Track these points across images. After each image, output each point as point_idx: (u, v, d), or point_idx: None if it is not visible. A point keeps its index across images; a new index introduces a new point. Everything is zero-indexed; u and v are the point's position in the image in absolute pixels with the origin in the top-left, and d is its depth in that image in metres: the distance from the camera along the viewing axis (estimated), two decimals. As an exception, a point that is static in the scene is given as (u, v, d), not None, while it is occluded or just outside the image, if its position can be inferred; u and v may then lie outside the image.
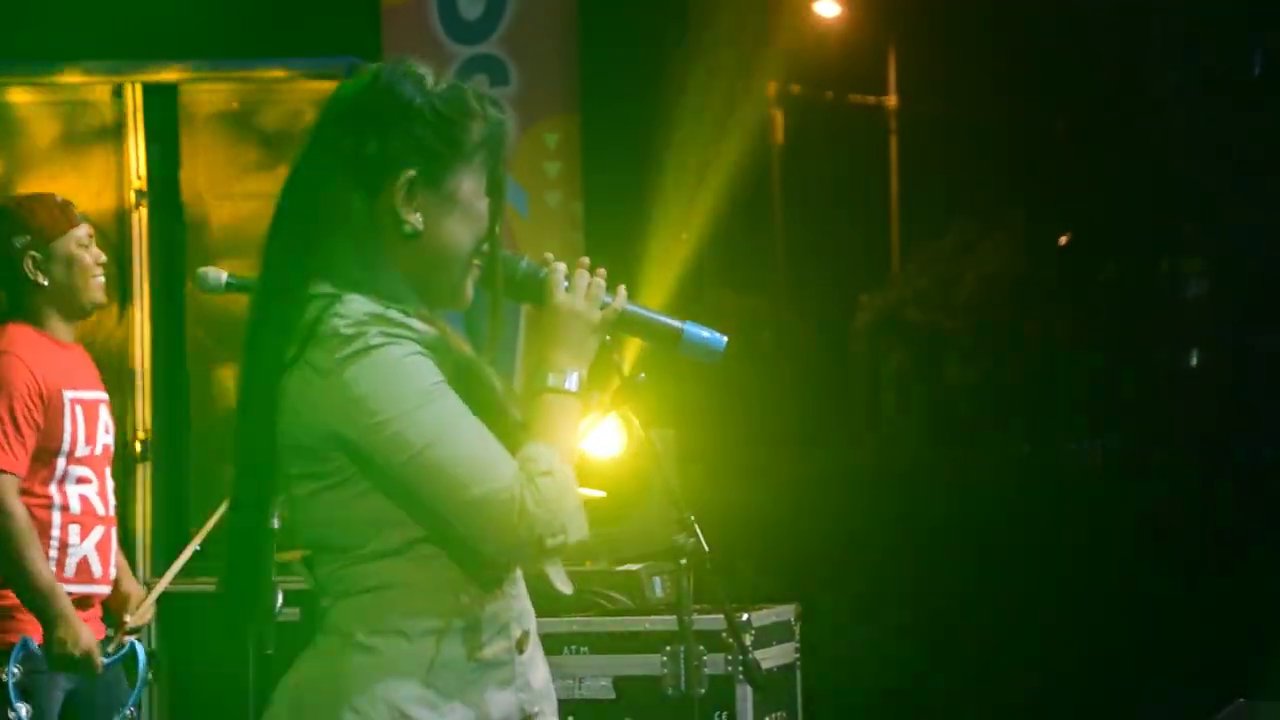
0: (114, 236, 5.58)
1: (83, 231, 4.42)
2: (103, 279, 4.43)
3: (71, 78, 5.81)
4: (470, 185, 2.50)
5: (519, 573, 2.51)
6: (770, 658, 4.96)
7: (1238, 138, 7.28)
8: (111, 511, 4.46)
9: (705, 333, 2.58)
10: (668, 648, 4.96)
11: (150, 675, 4.51)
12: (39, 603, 4.22)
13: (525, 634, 2.50)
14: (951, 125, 7.51)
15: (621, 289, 2.57)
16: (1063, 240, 7.65)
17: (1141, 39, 7.37)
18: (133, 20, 7.07)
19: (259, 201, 5.67)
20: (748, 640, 4.73)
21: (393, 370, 2.37)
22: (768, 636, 4.99)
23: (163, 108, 5.73)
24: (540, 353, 2.50)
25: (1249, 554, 6.94)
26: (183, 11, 7.18)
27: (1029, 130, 7.50)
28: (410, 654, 2.43)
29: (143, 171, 5.69)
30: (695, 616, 4.45)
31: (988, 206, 8.34)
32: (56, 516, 4.35)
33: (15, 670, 4.19)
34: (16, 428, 4.24)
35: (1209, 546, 7.02)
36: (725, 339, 2.56)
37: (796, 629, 5.27)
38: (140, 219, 5.69)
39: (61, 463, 4.32)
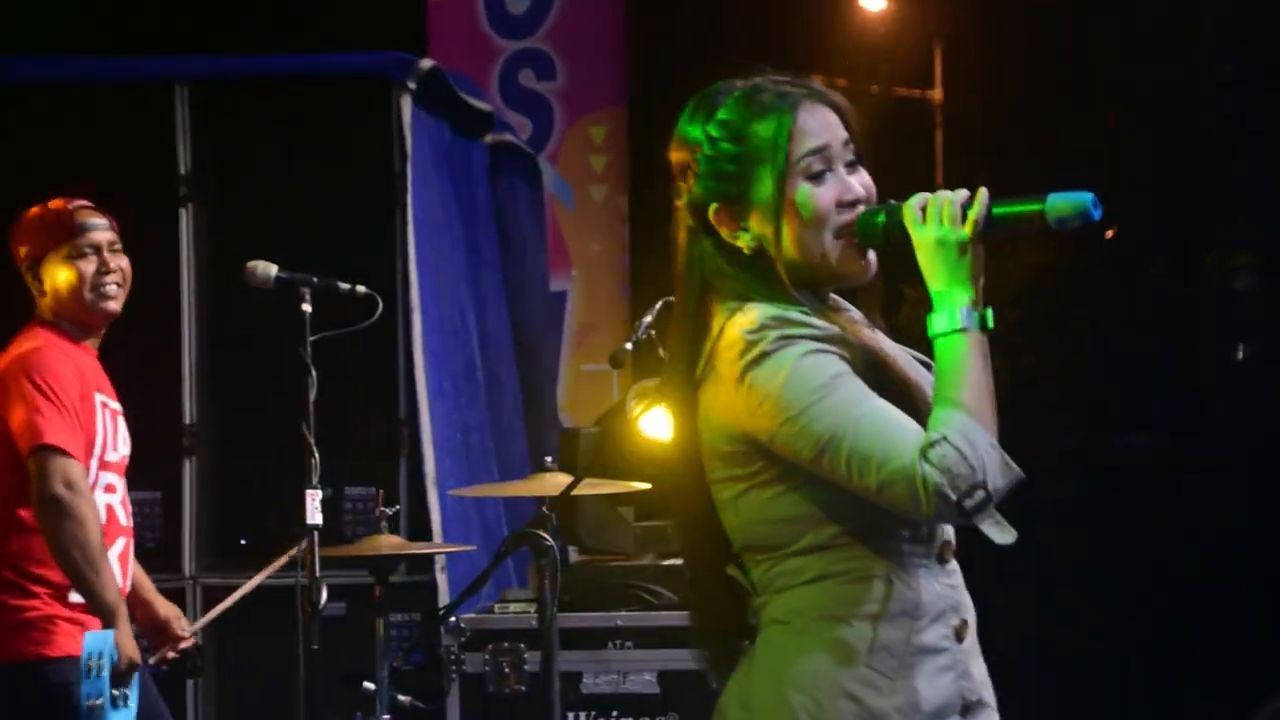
0: (158, 232, 5.59)
1: (85, 240, 4.33)
2: (113, 287, 4.34)
3: (118, 73, 5.82)
4: (770, 180, 2.53)
5: (954, 563, 2.57)
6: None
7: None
8: (130, 522, 4.42)
9: (1066, 197, 2.48)
10: (713, 643, 4.95)
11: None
12: (109, 605, 4.13)
13: (964, 623, 2.56)
14: (996, 119, 7.47)
15: (981, 193, 2.52)
16: (1109, 234, 7.58)
17: (1191, 32, 7.32)
18: (179, 15, 7.09)
19: (306, 198, 5.68)
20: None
21: (791, 370, 2.44)
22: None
23: (208, 104, 5.74)
24: (930, 297, 2.52)
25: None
26: (228, 7, 7.21)
27: (1075, 123, 7.45)
28: (852, 637, 2.49)
29: (189, 167, 5.70)
30: (740, 612, 4.44)
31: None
32: None
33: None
34: (75, 415, 4.21)
35: (1256, 542, 6.97)
36: (1089, 194, 2.47)
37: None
38: (187, 215, 5.70)
39: (94, 466, 4.28)
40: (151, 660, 4.39)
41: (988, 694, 2.58)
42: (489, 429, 6.18)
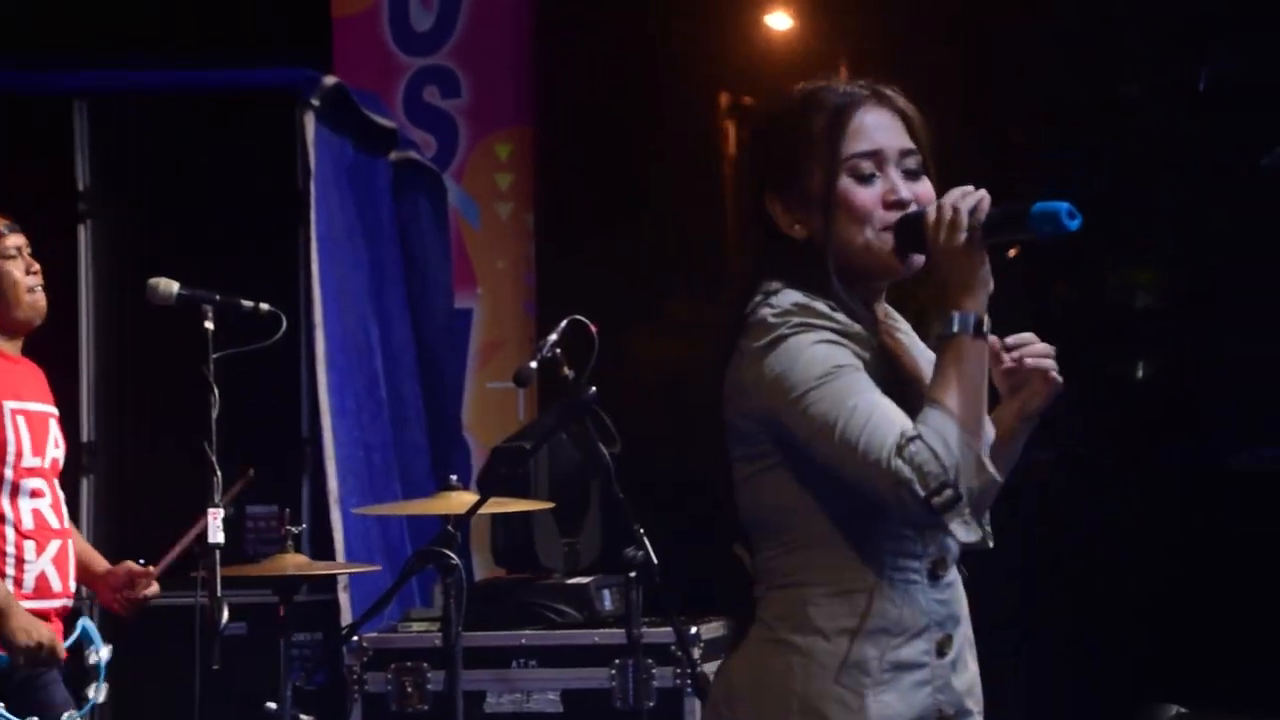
0: (57, 249, 5.53)
1: (10, 243, 4.34)
2: (39, 292, 4.35)
3: (15, 87, 5.75)
4: (820, 173, 2.60)
5: (951, 576, 2.60)
6: (712, 670, 4.95)
7: (1188, 150, 7.32)
8: (66, 524, 4.42)
9: (1044, 206, 2.53)
10: (616, 661, 4.95)
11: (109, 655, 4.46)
12: None
13: (948, 637, 2.58)
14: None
15: (977, 197, 2.56)
16: (1013, 252, 7.64)
17: (1097, 50, 7.40)
18: (78, 29, 7.01)
19: (207, 213, 5.64)
20: (696, 654, 4.72)
21: (803, 353, 2.52)
22: (717, 650, 4.98)
23: (108, 119, 5.68)
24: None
25: (1193, 560, 6.97)
26: (130, 21, 7.14)
27: (978, 140, 7.51)
28: (827, 652, 2.54)
29: (88, 183, 5.65)
30: (644, 630, 4.44)
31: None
32: (9, 532, 4.30)
33: None
34: None
35: (1153, 553, 7.04)
36: (1065, 203, 2.54)
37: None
38: (86, 231, 5.64)
39: (8, 474, 4.26)
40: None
41: (972, 702, 2.63)
42: (392, 447, 6.16)
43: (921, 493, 2.44)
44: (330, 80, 5.79)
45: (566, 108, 7.56)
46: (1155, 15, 7.35)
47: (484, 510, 4.51)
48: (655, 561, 4.38)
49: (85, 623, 4.47)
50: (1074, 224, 2.54)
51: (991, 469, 2.48)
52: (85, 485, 5.56)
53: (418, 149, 6.87)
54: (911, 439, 2.45)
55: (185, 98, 5.76)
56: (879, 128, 2.62)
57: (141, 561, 4.61)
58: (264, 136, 5.72)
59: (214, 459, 4.35)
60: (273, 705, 4.49)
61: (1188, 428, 7.26)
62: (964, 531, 2.48)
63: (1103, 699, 6.58)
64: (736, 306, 2.62)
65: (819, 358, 2.52)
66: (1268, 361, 7.05)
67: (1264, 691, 6.27)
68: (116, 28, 7.10)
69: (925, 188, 2.63)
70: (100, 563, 4.56)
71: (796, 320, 2.54)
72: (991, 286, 2.55)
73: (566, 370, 4.39)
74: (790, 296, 2.57)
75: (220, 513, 4.37)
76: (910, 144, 2.63)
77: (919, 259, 2.61)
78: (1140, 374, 7.62)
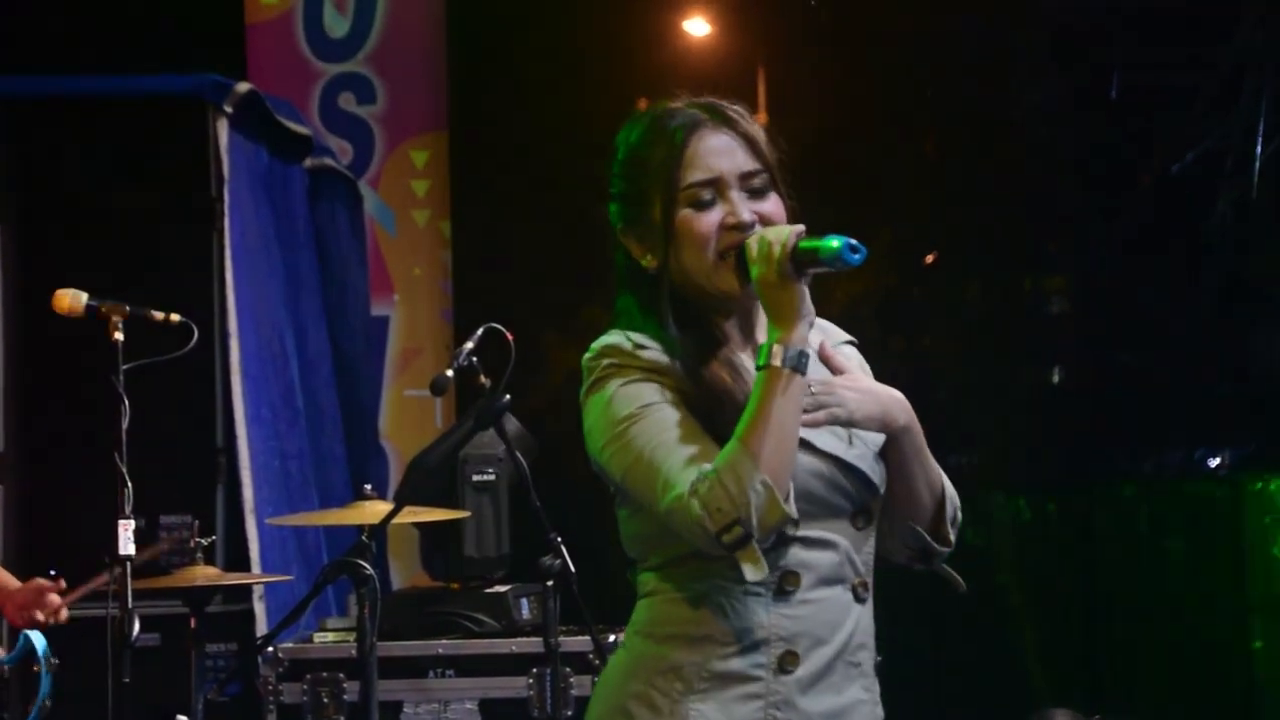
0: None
1: None
2: None
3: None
4: (658, 204, 2.61)
5: (814, 595, 2.57)
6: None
7: (1097, 156, 7.39)
8: None
9: (830, 239, 2.52)
10: (534, 670, 4.94)
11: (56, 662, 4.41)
12: None
13: (791, 654, 2.56)
14: (820, 144, 7.56)
15: (782, 232, 2.55)
16: (929, 259, 7.69)
17: (1005, 60, 7.46)
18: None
19: (120, 222, 5.59)
20: (614, 661, 4.71)
21: (609, 400, 2.55)
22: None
23: (18, 125, 5.62)
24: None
25: (1110, 568, 7.03)
26: (40, 27, 7.07)
27: (896, 149, 7.55)
28: (650, 655, 2.58)
29: (-2, 190, 5.59)
30: (562, 639, 4.44)
31: (857, 225, 8.38)
32: None
33: None
34: None
35: (1072, 559, 7.10)
36: (844, 238, 2.51)
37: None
38: (-5, 238, 5.59)
39: None
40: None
41: None
42: (309, 456, 6.12)
43: (712, 530, 2.45)
44: (244, 86, 5.75)
45: (482, 113, 7.55)
46: (1062, 22, 7.42)
47: (405, 520, 4.49)
48: (573, 570, 4.38)
49: (30, 634, 4.41)
50: (855, 258, 2.52)
51: (787, 508, 2.46)
52: (-4, 495, 5.51)
53: (333, 156, 6.84)
54: (704, 477, 2.46)
55: (96, 104, 5.70)
56: (716, 152, 2.62)
57: (52, 574, 4.56)
58: (177, 143, 5.67)
59: (124, 470, 4.31)
60: (185, 718, 4.46)
61: (1101, 435, 7.33)
62: (751, 570, 2.48)
63: (1007, 706, 6.62)
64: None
65: (624, 399, 2.55)
66: (1177, 369, 7.13)
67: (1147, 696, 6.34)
68: (26, 33, 7.03)
69: (772, 205, 2.63)
70: (9, 581, 4.50)
71: (606, 363, 2.57)
72: (811, 318, 2.54)
73: (483, 378, 4.37)
74: (606, 338, 2.61)
75: (131, 524, 4.33)
76: (753, 164, 2.63)
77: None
78: (1056, 380, 7.68)
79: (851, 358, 2.76)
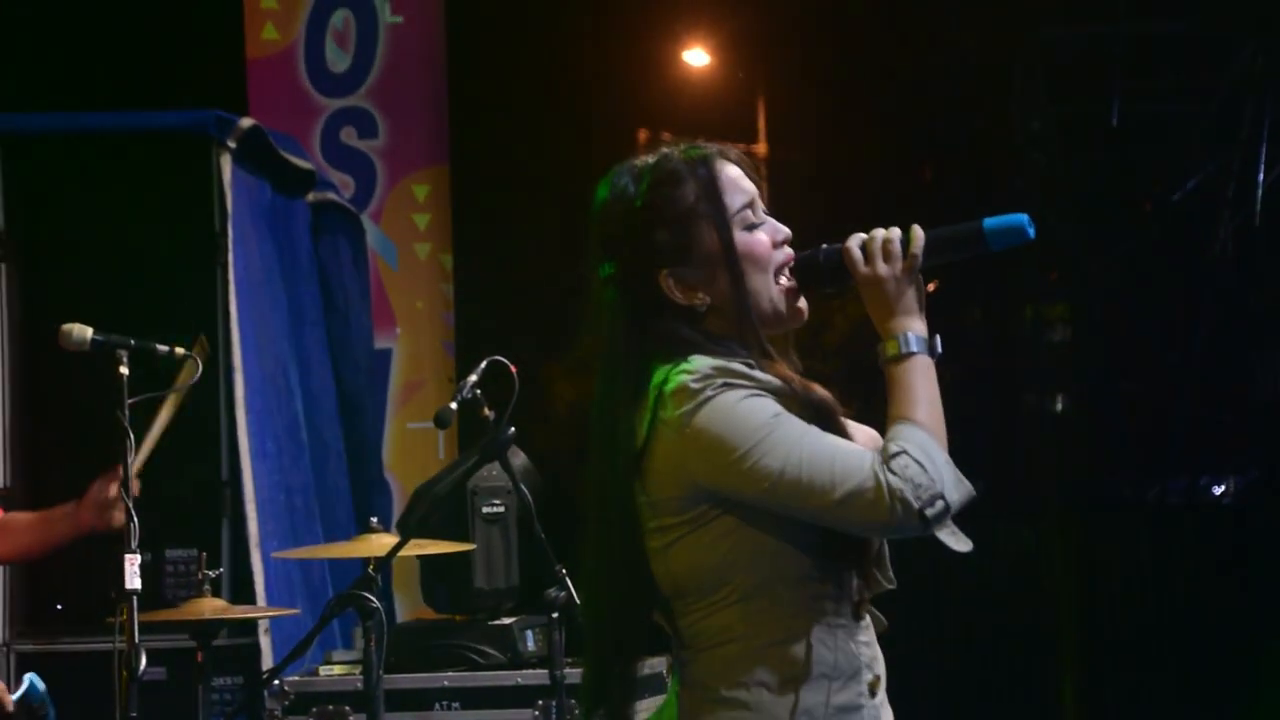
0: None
1: None
2: None
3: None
4: (713, 234, 2.62)
5: (867, 620, 2.61)
6: (644, 710, 4.94)
7: (1097, 185, 7.41)
8: None
9: (1002, 220, 2.61)
10: (540, 702, 4.94)
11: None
12: None
13: (877, 678, 2.60)
14: (820, 173, 7.58)
15: (915, 230, 2.63)
16: (930, 287, 7.69)
17: (1003, 87, 7.48)
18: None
19: (125, 258, 5.60)
20: (620, 693, 4.70)
21: (734, 410, 2.51)
22: (640, 689, 4.98)
23: (23, 161, 5.64)
24: (877, 329, 2.62)
25: (1113, 594, 7.04)
26: (45, 62, 7.10)
27: (897, 178, 7.58)
28: (775, 703, 2.54)
29: (2, 226, 5.60)
30: (567, 670, 4.43)
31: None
32: None
33: None
34: None
35: (1074, 586, 7.10)
36: (1024, 214, 2.60)
37: (670, 681, 5.26)
38: (0, 274, 5.60)
39: None
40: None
41: None
42: (313, 489, 6.12)
43: (916, 504, 2.45)
44: (246, 122, 5.77)
45: (483, 147, 7.57)
46: (1060, 50, 7.45)
47: (411, 553, 4.49)
48: (578, 601, 4.38)
49: (33, 678, 4.41)
50: (1032, 231, 2.61)
51: (967, 483, 2.51)
52: (1, 531, 5.50)
53: (336, 190, 6.86)
54: (896, 454, 2.47)
55: (101, 140, 5.72)
56: (741, 177, 2.67)
57: (59, 607, 4.56)
58: (181, 179, 5.69)
59: (130, 505, 4.31)
60: (192, 752, 4.46)
61: (1102, 461, 7.33)
62: (954, 542, 2.54)
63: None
64: (632, 393, 2.59)
65: (753, 410, 2.52)
66: (1180, 398, 7.13)
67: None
68: (31, 70, 7.06)
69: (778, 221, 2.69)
70: (61, 510, 4.46)
71: (720, 381, 2.53)
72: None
73: (487, 411, 4.39)
74: (707, 361, 2.57)
75: (137, 558, 4.33)
76: (756, 187, 2.69)
77: (807, 310, 2.66)
78: (1058, 408, 7.69)
79: None
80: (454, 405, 4.26)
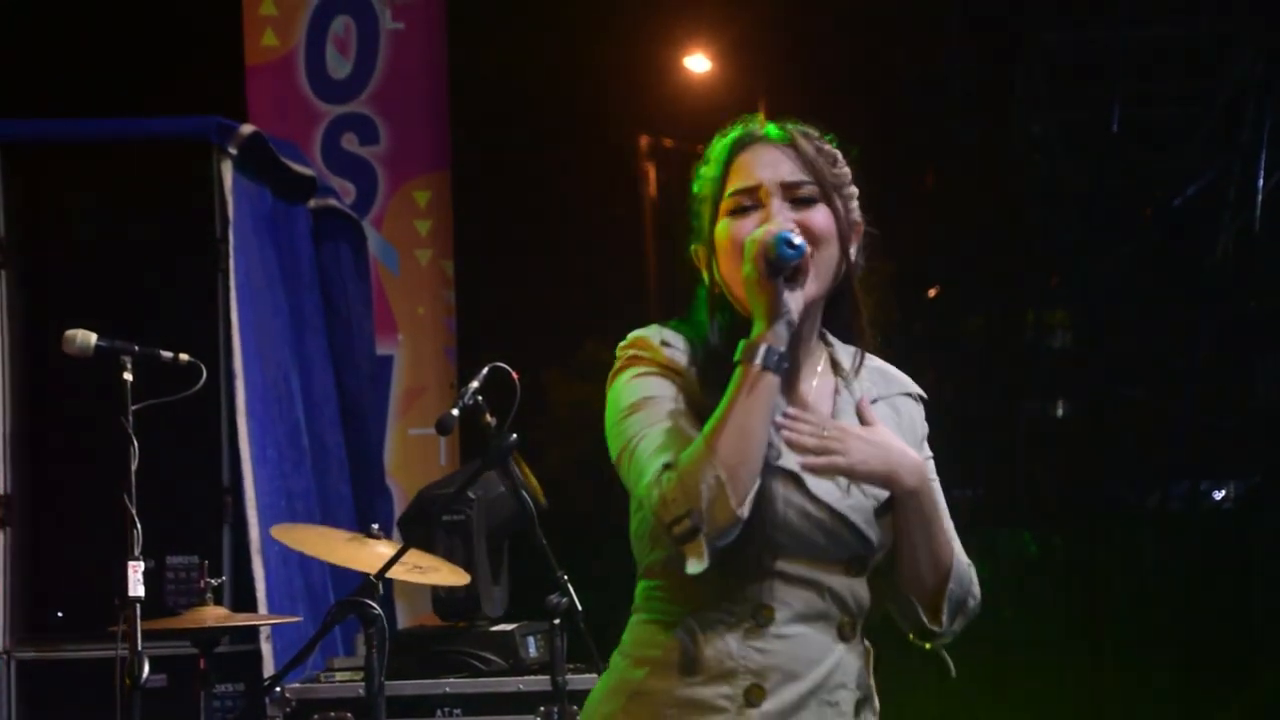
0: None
1: None
2: None
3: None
4: (709, 217, 2.68)
5: (791, 630, 2.57)
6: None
7: (1098, 190, 7.42)
8: None
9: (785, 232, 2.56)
10: (541, 708, 4.93)
11: None
12: None
13: (758, 688, 2.56)
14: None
15: (761, 231, 2.58)
16: (932, 293, 7.72)
17: (1004, 94, 7.49)
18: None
19: (123, 261, 5.60)
20: (622, 699, 4.70)
21: (619, 386, 2.63)
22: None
23: (25, 168, 5.64)
24: None
25: (1114, 598, 7.04)
26: (45, 69, 7.10)
27: (898, 184, 7.58)
28: (625, 677, 2.61)
29: (4, 232, 5.60)
30: (569, 676, 4.43)
31: (858, 259, 8.41)
32: None
33: None
34: None
35: (1077, 592, 7.10)
36: (782, 233, 2.55)
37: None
38: (2, 281, 5.60)
39: None
40: None
41: None
42: (315, 495, 6.12)
43: (665, 519, 2.49)
44: (247, 128, 5.77)
45: (484, 152, 7.58)
46: (1063, 56, 7.45)
47: (410, 577, 4.49)
48: (579, 607, 4.38)
49: None
50: (790, 253, 2.54)
51: (737, 508, 2.46)
52: (2, 537, 5.50)
53: (337, 196, 6.86)
54: (665, 468, 2.51)
55: (101, 147, 5.72)
56: (761, 164, 2.65)
57: (60, 615, 4.56)
58: (182, 185, 5.68)
59: (133, 511, 4.31)
60: (194, 758, 4.45)
61: (1103, 466, 7.33)
62: (692, 564, 2.49)
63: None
64: None
65: (632, 388, 2.62)
66: (1181, 403, 7.14)
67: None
68: (31, 78, 7.06)
69: (817, 216, 2.63)
70: None
71: (630, 353, 2.65)
72: (791, 319, 2.54)
73: (489, 417, 4.38)
74: (641, 330, 2.67)
75: (140, 565, 4.33)
76: (800, 175, 2.64)
77: (806, 293, 2.59)
78: (1060, 413, 7.69)
79: (902, 412, 2.74)
80: (455, 412, 4.26)
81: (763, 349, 2.52)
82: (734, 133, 2.69)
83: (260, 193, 5.98)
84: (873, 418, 2.64)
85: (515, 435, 4.28)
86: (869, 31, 7.37)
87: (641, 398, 2.59)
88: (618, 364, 2.65)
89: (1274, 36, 7.13)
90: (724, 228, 2.64)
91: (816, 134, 2.72)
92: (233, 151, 5.63)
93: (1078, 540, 7.22)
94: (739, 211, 2.63)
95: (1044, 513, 7.32)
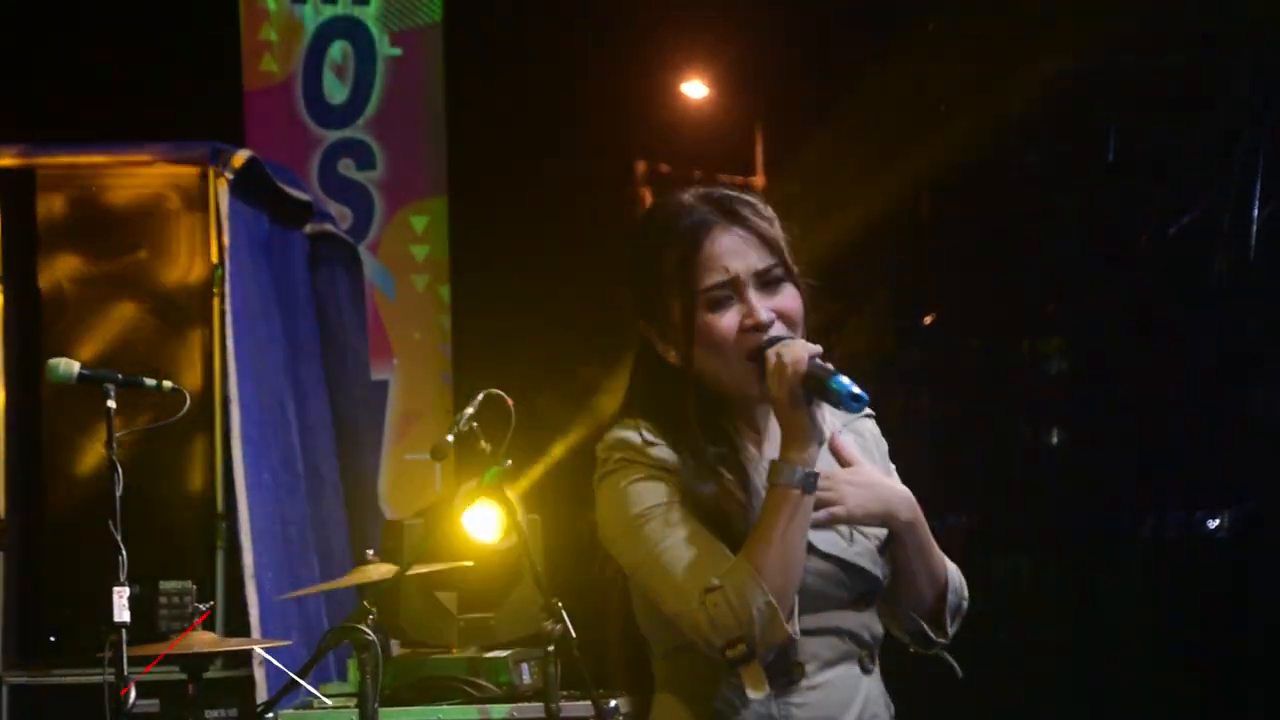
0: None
1: None
2: None
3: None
4: (678, 306, 2.61)
5: (818, 679, 2.59)
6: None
7: (1093, 218, 7.42)
8: None
9: (839, 382, 2.54)
10: (535, 735, 4.93)
11: None
12: None
13: None
14: (817, 205, 7.59)
15: (803, 352, 2.55)
16: (928, 320, 7.71)
17: (1000, 120, 7.50)
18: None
19: (116, 288, 5.60)
20: (615, 727, 4.70)
21: (618, 494, 2.59)
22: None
23: (19, 192, 5.65)
24: None
25: (1108, 626, 7.03)
26: (41, 92, 7.11)
27: (895, 210, 7.59)
28: None
29: (-1, 257, 5.61)
30: (563, 704, 4.43)
31: (854, 285, 8.44)
32: None
33: None
34: None
35: (1069, 618, 7.09)
36: (850, 386, 2.52)
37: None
38: (-3, 305, 5.61)
39: None
40: None
41: None
42: (309, 521, 6.12)
43: (718, 643, 2.49)
44: (244, 153, 5.78)
45: (481, 178, 7.58)
46: (1059, 84, 7.47)
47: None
48: (573, 635, 4.38)
49: None
50: (856, 406, 2.54)
51: (790, 628, 2.50)
52: (-4, 563, 5.51)
53: (334, 221, 6.87)
54: (712, 589, 2.49)
55: (97, 170, 5.73)
56: (730, 253, 2.61)
57: (53, 639, 4.56)
58: (178, 210, 5.69)
59: (118, 537, 4.30)
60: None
61: (1098, 493, 7.33)
62: (752, 689, 2.51)
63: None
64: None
65: (634, 497, 2.58)
66: (1175, 431, 7.13)
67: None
68: (28, 101, 7.07)
69: (787, 299, 2.63)
70: None
71: (618, 456, 2.60)
72: (822, 439, 2.56)
73: (484, 443, 4.39)
74: (619, 431, 2.62)
75: (126, 590, 4.32)
76: (766, 261, 2.62)
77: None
78: (1055, 440, 7.69)
79: (865, 434, 2.76)
80: (451, 438, 4.26)
81: (801, 472, 2.53)
82: (687, 216, 2.63)
83: (257, 217, 5.99)
84: (850, 455, 2.66)
85: (510, 461, 4.29)
86: (865, 58, 7.38)
87: (648, 507, 2.57)
88: (605, 468, 2.62)
89: (1269, 66, 7.15)
90: (708, 324, 2.60)
91: (753, 199, 2.69)
92: (229, 176, 5.64)
93: (1072, 568, 7.21)
94: (718, 307, 2.61)
95: (1038, 539, 7.32)
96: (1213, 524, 7.31)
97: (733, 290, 2.61)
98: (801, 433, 2.54)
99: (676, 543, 2.54)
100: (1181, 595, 7.00)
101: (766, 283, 2.62)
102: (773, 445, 2.64)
